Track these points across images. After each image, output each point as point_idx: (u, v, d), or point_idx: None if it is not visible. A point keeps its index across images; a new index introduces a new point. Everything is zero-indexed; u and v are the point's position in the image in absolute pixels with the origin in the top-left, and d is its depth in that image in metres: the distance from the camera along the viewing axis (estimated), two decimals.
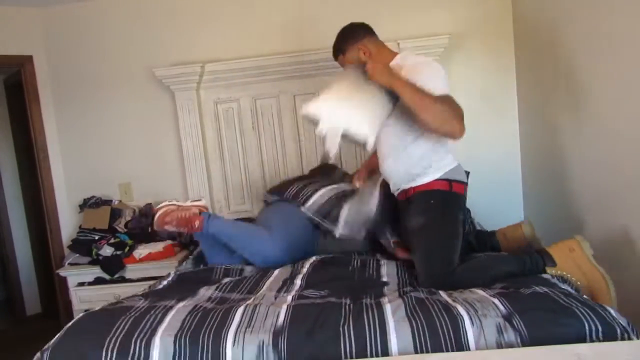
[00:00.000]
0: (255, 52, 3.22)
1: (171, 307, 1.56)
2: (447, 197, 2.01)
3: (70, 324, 1.53)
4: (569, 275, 1.83)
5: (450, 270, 1.86)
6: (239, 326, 1.43)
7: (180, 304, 1.61)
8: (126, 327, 1.45)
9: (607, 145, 2.13)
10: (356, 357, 1.36)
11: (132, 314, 1.52)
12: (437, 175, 2.01)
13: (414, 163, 2.03)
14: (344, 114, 1.82)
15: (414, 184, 2.05)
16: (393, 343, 1.36)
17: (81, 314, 1.60)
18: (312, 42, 3.19)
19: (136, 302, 1.66)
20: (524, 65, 3.03)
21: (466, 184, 2.09)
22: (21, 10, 3.32)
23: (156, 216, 2.23)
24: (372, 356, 1.35)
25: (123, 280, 3.07)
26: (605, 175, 2.16)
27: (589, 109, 2.26)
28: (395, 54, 2.14)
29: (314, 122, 1.85)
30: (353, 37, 2.10)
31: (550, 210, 2.81)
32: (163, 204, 2.34)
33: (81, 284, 3.16)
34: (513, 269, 1.85)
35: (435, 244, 1.93)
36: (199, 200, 2.51)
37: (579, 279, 1.83)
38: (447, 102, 1.81)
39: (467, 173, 2.15)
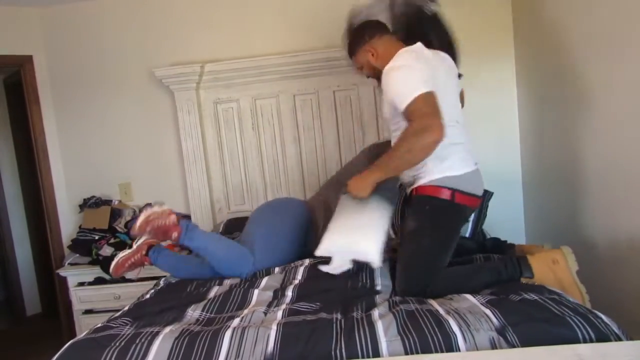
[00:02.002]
0: (255, 52, 3.22)
1: (157, 333, 1.51)
2: (446, 206, 1.88)
3: (55, 357, 1.48)
4: None
5: (427, 280, 1.82)
6: (227, 354, 1.39)
7: (167, 329, 1.55)
8: None
9: (607, 145, 2.12)
10: None
11: (118, 344, 1.47)
12: (435, 177, 1.88)
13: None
14: (348, 245, 1.98)
15: (416, 185, 1.95)
16: None
17: (67, 345, 1.54)
18: (312, 42, 3.19)
19: (122, 329, 1.62)
20: (524, 65, 3.03)
21: (476, 196, 1.95)
22: (21, 10, 3.32)
23: (140, 220, 2.18)
24: None
25: (123, 280, 3.06)
26: (606, 175, 2.16)
27: (589, 108, 2.26)
28: (399, 48, 2.01)
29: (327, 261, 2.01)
30: (361, 39, 2.08)
31: (550, 211, 2.81)
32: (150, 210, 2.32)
33: (81, 284, 3.17)
34: (489, 280, 1.81)
35: (420, 252, 1.88)
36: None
37: None
38: (407, 136, 1.78)
39: (489, 193, 2.08)
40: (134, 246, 2.40)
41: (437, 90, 1.82)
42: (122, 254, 2.38)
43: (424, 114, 1.74)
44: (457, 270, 1.91)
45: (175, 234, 2.14)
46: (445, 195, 1.87)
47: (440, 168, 1.88)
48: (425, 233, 1.89)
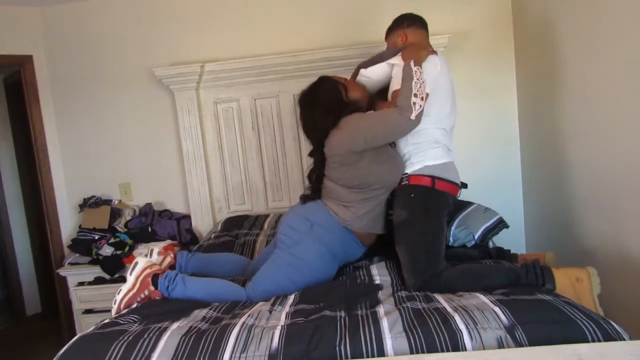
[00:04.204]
0: (255, 52, 3.22)
1: (165, 329, 1.53)
2: (429, 193, 2.00)
3: (63, 350, 1.50)
4: None
5: (437, 270, 1.84)
6: (233, 350, 1.40)
7: (175, 325, 1.57)
8: (120, 354, 1.43)
9: (607, 145, 2.12)
10: None
11: (126, 338, 1.49)
12: (415, 167, 2.03)
13: (401, 147, 2.09)
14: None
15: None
16: None
17: (75, 337, 1.57)
18: (312, 41, 3.19)
19: (130, 325, 1.64)
20: (524, 65, 3.03)
21: (455, 184, 2.07)
22: (21, 10, 3.32)
23: (116, 306, 1.97)
24: None
25: (123, 280, 3.01)
26: (606, 175, 2.16)
27: (589, 108, 2.26)
28: (426, 46, 2.15)
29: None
30: (401, 23, 2.23)
31: (550, 211, 2.81)
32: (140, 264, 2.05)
33: (81, 284, 3.16)
34: (505, 281, 1.79)
35: (418, 238, 1.93)
36: (158, 244, 2.25)
37: None
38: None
39: (464, 185, 2.16)
40: (131, 277, 2.02)
41: (438, 96, 2.03)
42: (121, 293, 2.00)
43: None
44: (476, 266, 1.93)
45: (157, 298, 1.99)
46: (426, 182, 2.01)
47: (420, 160, 2.04)
48: (418, 218, 1.97)
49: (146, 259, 2.10)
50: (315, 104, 2.10)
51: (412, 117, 1.88)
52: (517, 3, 3.04)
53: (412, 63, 1.93)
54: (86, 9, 3.35)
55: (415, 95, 1.88)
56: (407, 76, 1.92)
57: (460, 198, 2.70)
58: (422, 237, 1.93)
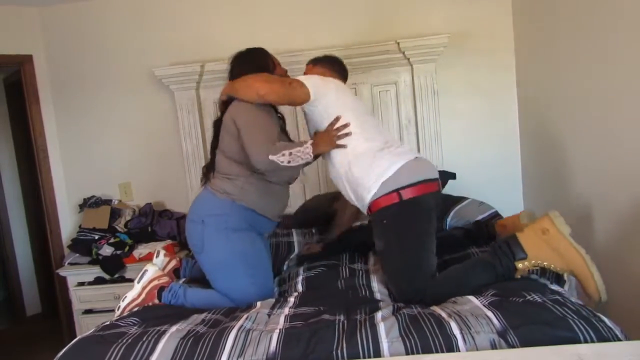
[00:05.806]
0: None
1: (164, 332, 1.54)
2: (399, 209, 1.87)
3: (62, 352, 1.52)
4: (545, 264, 1.71)
5: (422, 288, 1.80)
6: (230, 354, 1.41)
7: (173, 328, 1.58)
8: (118, 356, 1.44)
9: (606, 143, 2.13)
10: None
11: (125, 340, 1.50)
12: (374, 190, 1.90)
13: (353, 186, 1.98)
14: None
15: (366, 203, 1.96)
16: None
17: (75, 340, 1.59)
18: (311, 41, 3.19)
19: (130, 328, 1.65)
20: (524, 65, 3.03)
21: (426, 181, 1.91)
22: (21, 10, 3.32)
23: (119, 312, 2.00)
24: None
25: (123, 280, 3.06)
26: (605, 173, 2.16)
27: (588, 107, 2.26)
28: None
29: None
30: (330, 63, 2.31)
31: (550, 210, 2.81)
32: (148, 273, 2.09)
33: (81, 284, 3.16)
34: (485, 280, 1.76)
35: (400, 266, 1.86)
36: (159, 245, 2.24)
37: (556, 265, 1.70)
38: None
39: (452, 175, 2.14)
40: (138, 286, 2.05)
41: (346, 108, 2.02)
42: (126, 301, 2.02)
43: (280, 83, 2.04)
44: (453, 272, 1.88)
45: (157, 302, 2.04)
46: (393, 199, 1.88)
47: (375, 180, 1.91)
48: (394, 246, 1.89)
49: (155, 268, 2.11)
50: (248, 61, 2.22)
51: (269, 157, 1.87)
52: (517, 3, 3.04)
53: (310, 146, 1.95)
54: (86, 9, 3.35)
55: (291, 154, 1.90)
56: (301, 144, 1.95)
57: (459, 195, 2.72)
58: (404, 265, 1.86)
